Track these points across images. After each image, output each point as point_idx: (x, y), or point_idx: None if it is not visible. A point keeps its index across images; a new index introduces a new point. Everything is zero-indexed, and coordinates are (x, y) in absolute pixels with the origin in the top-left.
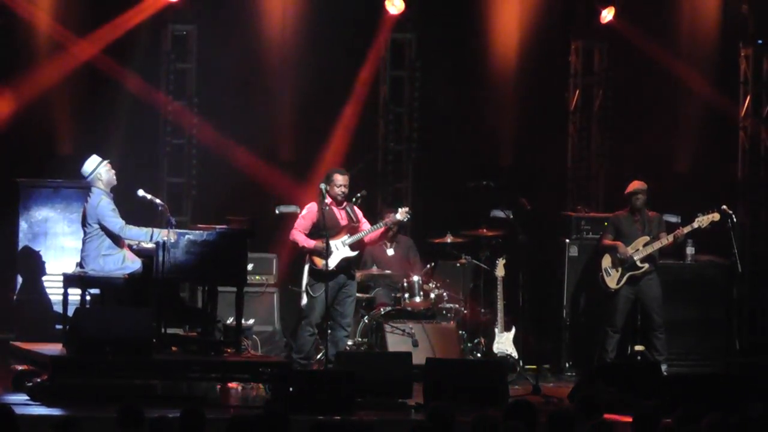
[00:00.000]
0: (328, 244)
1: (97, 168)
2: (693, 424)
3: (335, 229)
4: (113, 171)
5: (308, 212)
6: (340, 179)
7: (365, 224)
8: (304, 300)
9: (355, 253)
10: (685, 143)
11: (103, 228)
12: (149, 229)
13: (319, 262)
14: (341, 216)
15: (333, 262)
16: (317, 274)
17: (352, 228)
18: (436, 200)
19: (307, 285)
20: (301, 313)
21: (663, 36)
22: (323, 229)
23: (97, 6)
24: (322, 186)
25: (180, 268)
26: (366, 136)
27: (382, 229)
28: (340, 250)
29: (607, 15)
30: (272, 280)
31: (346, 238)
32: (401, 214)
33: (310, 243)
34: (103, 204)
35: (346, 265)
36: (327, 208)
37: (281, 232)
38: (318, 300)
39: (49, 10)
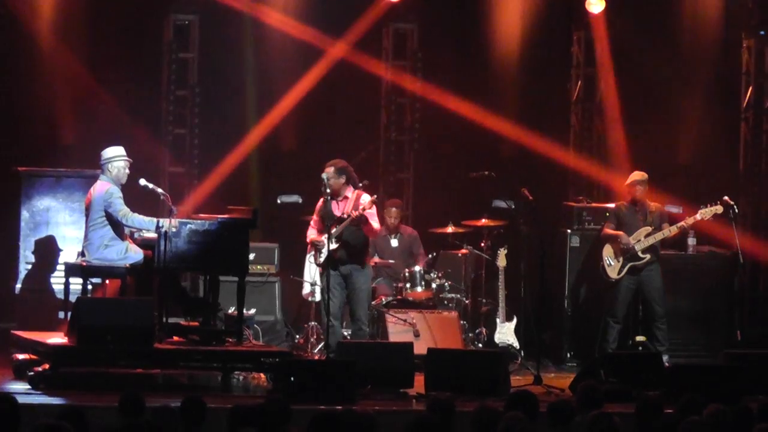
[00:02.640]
0: (329, 237)
1: (117, 158)
2: (696, 414)
3: (330, 222)
4: (128, 171)
5: (317, 208)
6: (323, 175)
7: (371, 216)
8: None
9: (335, 246)
10: (687, 134)
11: (108, 217)
12: (153, 219)
13: (316, 256)
14: (338, 208)
15: (322, 257)
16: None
17: (341, 221)
18: (437, 190)
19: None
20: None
21: (665, 27)
22: (323, 223)
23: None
24: (324, 176)
25: (181, 258)
26: (368, 127)
27: (377, 227)
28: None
29: (596, 5)
30: (274, 270)
31: (334, 231)
32: (368, 203)
33: (309, 239)
34: (111, 190)
35: (336, 257)
36: (329, 200)
37: (283, 221)
38: (324, 290)
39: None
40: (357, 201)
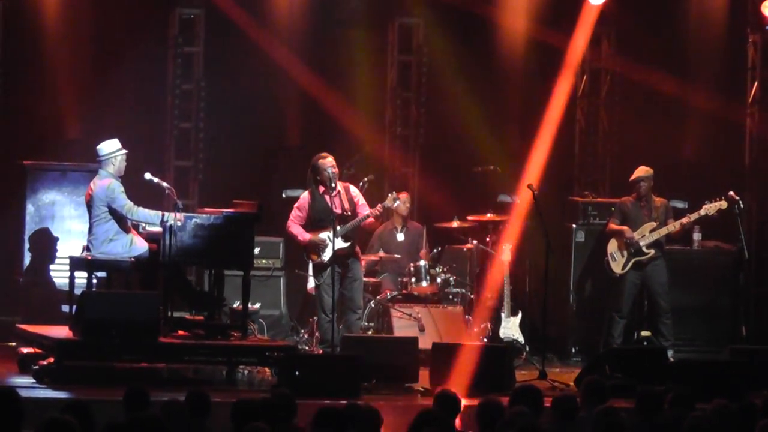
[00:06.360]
0: (335, 231)
1: (115, 153)
2: (687, 407)
3: (328, 219)
4: (125, 162)
5: (301, 203)
6: (326, 163)
7: (364, 209)
8: (311, 284)
9: (347, 244)
10: (693, 129)
11: (112, 211)
12: (159, 212)
13: (314, 256)
14: (335, 204)
15: (327, 255)
16: (316, 266)
17: (344, 218)
18: (442, 185)
19: (313, 275)
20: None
21: (671, 21)
22: (317, 220)
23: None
24: (330, 171)
25: (187, 252)
26: (373, 121)
27: (371, 220)
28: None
29: None
30: (279, 264)
31: (339, 230)
32: (389, 200)
33: (306, 237)
34: (113, 185)
35: (344, 254)
36: (319, 197)
37: (288, 216)
38: (323, 286)
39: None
40: (349, 193)
